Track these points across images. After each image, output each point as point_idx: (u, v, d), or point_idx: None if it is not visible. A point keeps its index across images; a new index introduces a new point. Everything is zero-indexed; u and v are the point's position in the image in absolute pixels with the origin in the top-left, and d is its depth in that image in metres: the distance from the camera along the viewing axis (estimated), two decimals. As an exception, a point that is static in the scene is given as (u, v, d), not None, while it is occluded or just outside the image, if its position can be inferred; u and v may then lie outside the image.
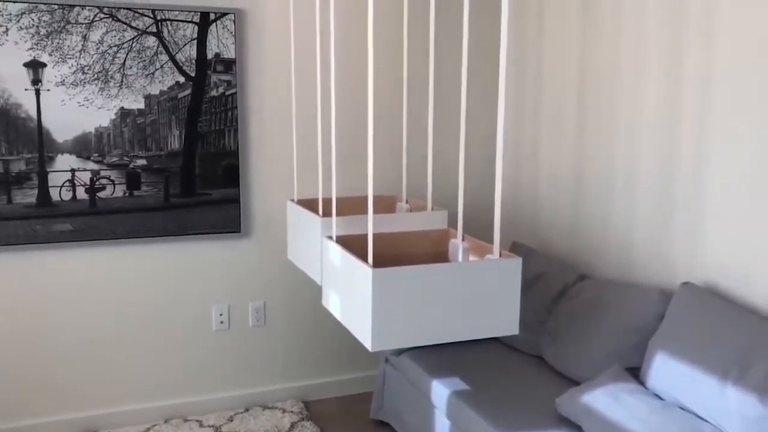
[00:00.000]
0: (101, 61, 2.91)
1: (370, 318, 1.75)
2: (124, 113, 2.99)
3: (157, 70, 3.00)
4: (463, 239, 2.01)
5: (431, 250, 2.21)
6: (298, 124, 3.25)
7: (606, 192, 2.90)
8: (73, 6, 2.84)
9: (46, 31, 2.82)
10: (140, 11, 2.93)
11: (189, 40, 3.02)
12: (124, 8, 2.90)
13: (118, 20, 2.91)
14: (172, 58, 3.01)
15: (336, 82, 3.26)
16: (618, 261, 2.85)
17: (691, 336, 2.20)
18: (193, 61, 3.04)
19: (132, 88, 2.98)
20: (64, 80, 2.87)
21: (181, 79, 3.04)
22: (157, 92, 3.02)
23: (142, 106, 3.00)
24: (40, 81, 2.84)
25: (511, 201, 3.56)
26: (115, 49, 2.93)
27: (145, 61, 2.98)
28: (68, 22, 2.84)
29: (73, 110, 2.90)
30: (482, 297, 1.83)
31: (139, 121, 3.01)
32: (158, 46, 2.98)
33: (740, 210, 2.30)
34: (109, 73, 2.93)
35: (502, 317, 1.86)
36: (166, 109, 3.04)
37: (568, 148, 3.12)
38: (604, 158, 2.90)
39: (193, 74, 3.05)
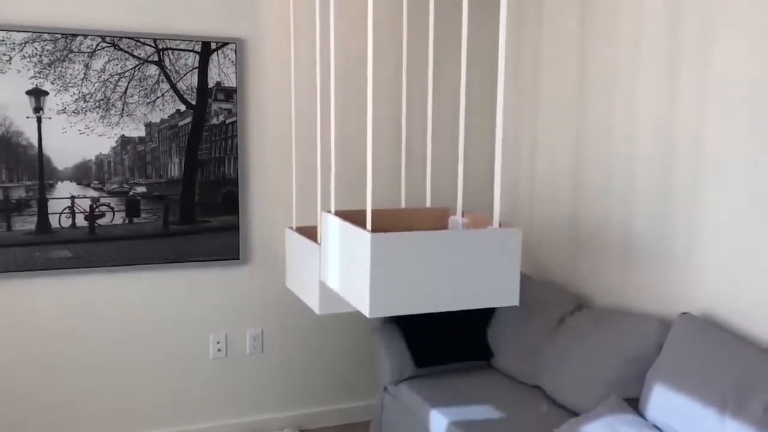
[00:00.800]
0: (103, 89, 2.94)
1: (369, 283, 1.73)
2: (124, 141, 3.01)
3: (158, 98, 3.02)
4: (462, 216, 2.01)
5: (432, 227, 2.22)
6: (297, 151, 3.26)
7: (603, 219, 2.91)
8: (76, 35, 2.87)
9: (49, 59, 2.85)
10: (142, 40, 2.96)
11: (190, 68, 3.05)
12: (126, 37, 2.93)
13: (120, 49, 2.94)
14: (173, 87, 3.04)
15: (336, 111, 3.29)
16: (616, 288, 2.85)
17: (690, 367, 2.19)
18: (194, 89, 3.07)
19: (133, 116, 3.00)
20: (65, 108, 2.89)
21: (182, 108, 3.06)
22: (158, 120, 3.04)
23: (142, 133, 3.02)
24: (42, 109, 2.86)
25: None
26: (116, 77, 2.95)
27: (146, 89, 3.00)
28: (71, 51, 2.87)
29: (74, 138, 2.92)
30: (481, 266, 1.80)
31: (139, 149, 3.03)
32: (159, 75, 3.01)
33: (739, 240, 2.30)
34: (111, 101, 2.96)
35: (502, 287, 1.84)
36: (167, 136, 3.06)
37: (564, 175, 3.13)
38: (602, 186, 2.91)
39: (194, 102, 3.08)
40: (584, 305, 2.95)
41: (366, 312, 1.77)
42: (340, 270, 1.98)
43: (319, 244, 2.32)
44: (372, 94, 1.84)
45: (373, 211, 2.10)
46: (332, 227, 2.02)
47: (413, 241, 1.75)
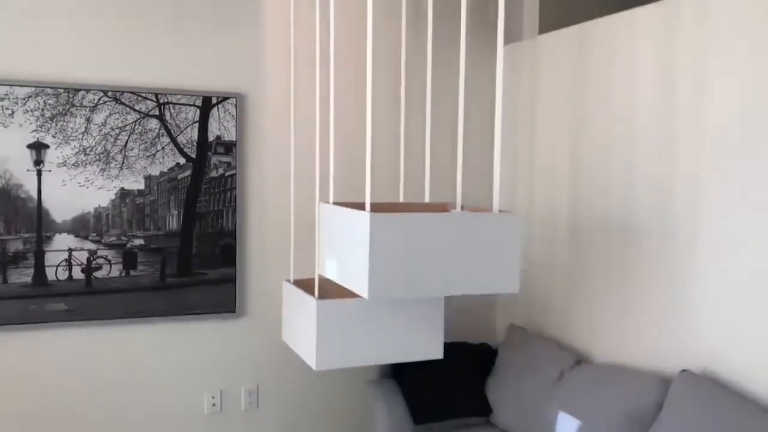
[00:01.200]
0: (103, 142, 2.97)
1: (367, 264, 1.68)
2: (123, 193, 3.02)
3: (158, 151, 3.05)
4: (462, 209, 1.99)
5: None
6: (296, 204, 3.28)
7: (600, 266, 2.90)
8: (78, 90, 2.91)
9: (51, 113, 2.88)
10: (144, 95, 3.00)
11: (191, 122, 3.09)
12: (128, 92, 2.98)
13: (122, 103, 2.98)
14: (174, 141, 3.07)
15: (335, 165, 3.31)
16: (615, 344, 2.83)
17: (690, 427, 2.15)
18: (194, 143, 3.10)
19: (132, 169, 3.02)
20: (65, 161, 2.92)
21: (182, 161, 3.09)
22: (158, 173, 3.06)
23: (141, 186, 3.04)
24: (42, 162, 2.89)
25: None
26: (117, 131, 2.99)
27: (146, 143, 3.03)
28: (73, 105, 2.91)
29: (73, 190, 2.93)
30: (481, 251, 1.77)
31: (138, 202, 3.04)
32: (160, 129, 3.04)
33: (739, 297, 2.30)
34: (111, 154, 2.98)
35: (502, 274, 1.81)
36: (166, 189, 3.08)
37: (562, 215, 3.14)
38: (600, 228, 2.91)
39: (193, 156, 3.10)
40: (583, 360, 2.92)
41: (365, 294, 1.72)
42: (338, 258, 1.93)
43: (316, 298, 2.31)
44: (371, 152, 1.86)
45: (372, 204, 2.08)
46: (329, 213, 1.97)
47: (413, 222, 1.71)
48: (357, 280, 1.79)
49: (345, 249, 1.88)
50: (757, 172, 2.21)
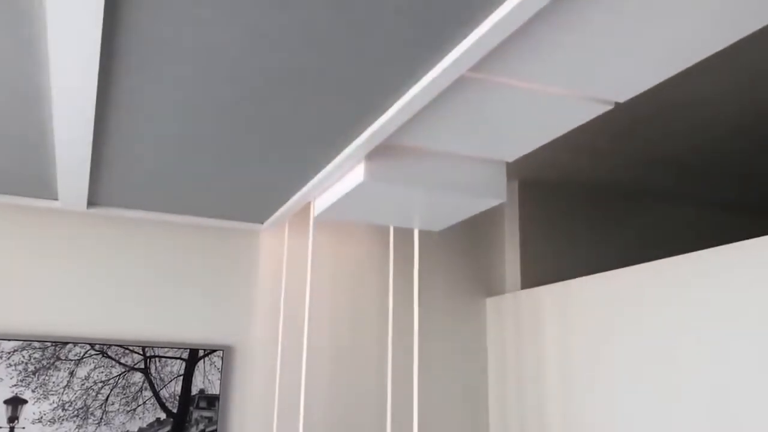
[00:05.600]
0: (84, 397, 2.90)
1: None
2: (98, 451, 2.89)
3: (139, 406, 2.97)
4: None
5: None
6: (277, 462, 3.13)
7: None
8: (66, 343, 2.91)
9: (35, 367, 2.85)
10: (131, 348, 3.00)
11: (175, 376, 3.05)
12: (115, 345, 2.97)
13: (108, 356, 2.96)
14: (156, 395, 3.01)
15: (322, 424, 3.23)
16: None
17: None
18: (177, 397, 3.04)
19: (111, 424, 2.92)
20: (41, 417, 2.82)
21: (162, 416, 3.00)
22: (136, 429, 2.95)
23: (118, 443, 2.92)
24: (17, 418, 2.79)
25: None
26: (100, 385, 2.93)
27: (128, 397, 2.96)
28: (58, 359, 2.89)
29: (46, 449, 2.81)
30: None
31: (112, 460, 2.90)
32: (143, 383, 3.00)
33: None
34: (90, 409, 2.90)
35: None
36: (143, 446, 2.95)
37: (557, 495, 2.99)
38: None
39: (174, 411, 3.02)
40: None
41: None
42: None
43: None
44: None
45: None
46: None
47: None
48: None
49: None
50: (751, 446, 2.18)
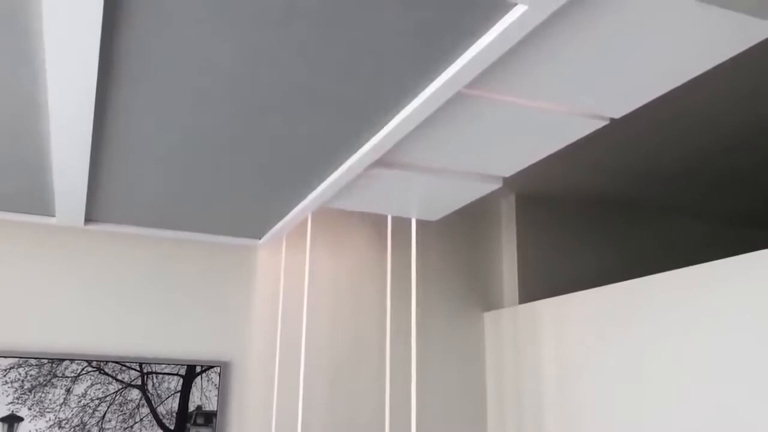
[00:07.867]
0: (81, 414, 2.88)
1: None
2: (94, 469, 2.87)
3: (136, 423, 2.96)
4: None
5: None
6: (275, 479, 3.12)
7: None
8: (63, 359, 2.89)
9: (31, 384, 2.83)
10: (128, 364, 2.99)
11: (172, 392, 3.03)
12: (112, 361, 2.96)
13: (105, 373, 2.95)
14: (153, 411, 2.99)
15: (317, 434, 3.21)
16: None
17: None
18: (174, 413, 3.02)
19: (107, 442, 2.91)
20: (38, 435, 2.81)
21: (159, 433, 2.99)
22: (133, 446, 2.94)
23: (114, 461, 2.90)
24: (14, 436, 2.78)
25: None
26: (97, 402, 2.92)
27: (125, 414, 2.95)
28: (55, 376, 2.87)
29: (42, 467, 2.79)
30: None
31: (109, 478, 2.88)
32: (141, 399, 2.98)
33: None
34: (87, 426, 2.88)
35: None
36: (140, 464, 2.94)
37: None
38: None
39: (171, 427, 3.00)
40: None
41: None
42: None
43: None
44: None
45: None
46: None
47: None
48: None
49: None
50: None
